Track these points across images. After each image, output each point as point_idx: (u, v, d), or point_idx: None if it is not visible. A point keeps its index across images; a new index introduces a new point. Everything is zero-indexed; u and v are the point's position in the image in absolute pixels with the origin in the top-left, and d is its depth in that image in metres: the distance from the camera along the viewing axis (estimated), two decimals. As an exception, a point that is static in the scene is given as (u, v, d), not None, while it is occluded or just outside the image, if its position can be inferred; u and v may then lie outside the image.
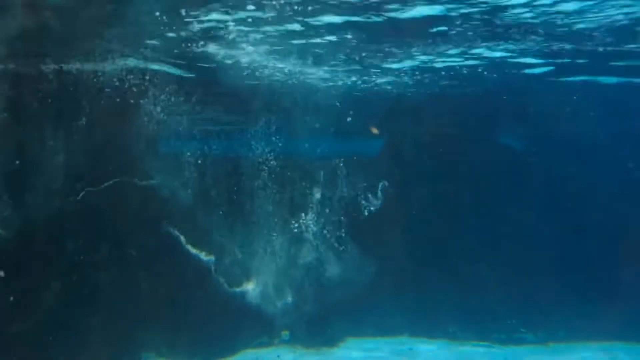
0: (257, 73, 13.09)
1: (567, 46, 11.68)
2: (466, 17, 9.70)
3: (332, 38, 10.76)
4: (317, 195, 15.94)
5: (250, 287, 15.32)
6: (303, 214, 15.86)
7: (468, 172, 16.42)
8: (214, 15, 9.43)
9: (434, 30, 10.44)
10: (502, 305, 15.85)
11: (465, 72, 13.65)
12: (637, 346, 15.27)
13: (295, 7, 9.06)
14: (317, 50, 11.62)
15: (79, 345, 12.17)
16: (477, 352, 15.08)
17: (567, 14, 9.60)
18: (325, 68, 13.14)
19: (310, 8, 9.11)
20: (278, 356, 14.89)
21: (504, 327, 15.79)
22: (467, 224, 16.35)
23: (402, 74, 13.94)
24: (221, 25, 9.92)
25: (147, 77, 12.84)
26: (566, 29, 10.41)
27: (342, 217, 15.99)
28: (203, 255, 14.76)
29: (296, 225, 15.80)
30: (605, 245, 15.59)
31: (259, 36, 10.50)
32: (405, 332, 16.08)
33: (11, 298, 11.40)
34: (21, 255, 11.69)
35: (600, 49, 11.87)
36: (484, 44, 11.38)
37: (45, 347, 11.63)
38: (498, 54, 12.21)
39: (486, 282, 15.97)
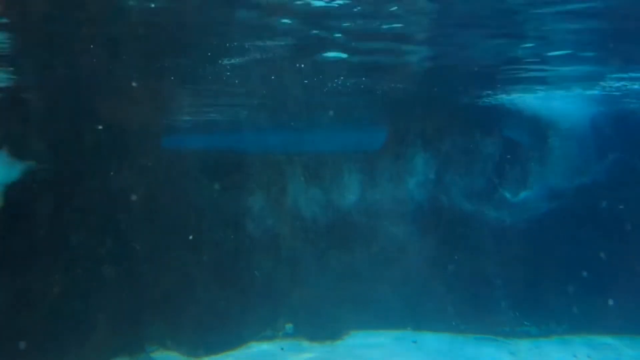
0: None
1: None
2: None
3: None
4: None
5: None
6: None
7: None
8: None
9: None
10: (505, 299, 15.83)
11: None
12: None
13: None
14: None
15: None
16: (480, 345, 15.09)
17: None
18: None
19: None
20: (282, 349, 15.02)
21: (508, 321, 15.76)
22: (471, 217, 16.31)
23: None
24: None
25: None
26: None
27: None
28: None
29: None
30: (609, 239, 15.53)
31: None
32: (408, 325, 16.11)
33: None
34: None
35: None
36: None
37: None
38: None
39: (490, 275, 15.97)
